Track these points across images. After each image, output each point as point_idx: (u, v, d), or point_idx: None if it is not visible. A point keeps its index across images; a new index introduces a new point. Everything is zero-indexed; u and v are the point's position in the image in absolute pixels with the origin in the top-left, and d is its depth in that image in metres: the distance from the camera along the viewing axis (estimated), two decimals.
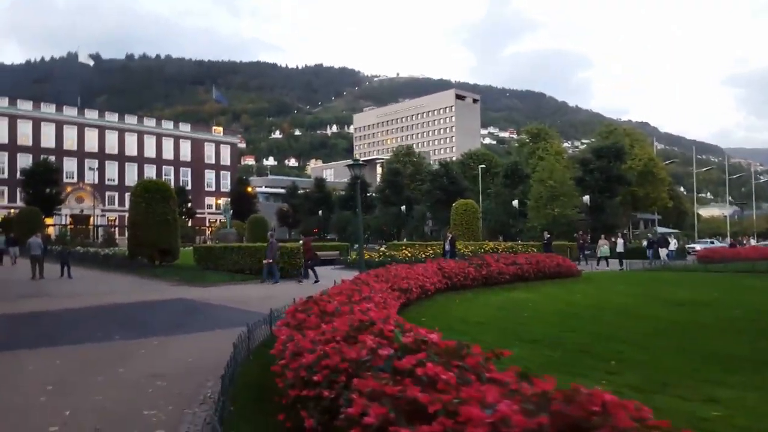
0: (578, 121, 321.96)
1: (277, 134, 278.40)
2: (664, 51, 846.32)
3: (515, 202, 48.24)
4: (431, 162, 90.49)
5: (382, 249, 26.84)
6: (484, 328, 8.39)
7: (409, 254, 26.93)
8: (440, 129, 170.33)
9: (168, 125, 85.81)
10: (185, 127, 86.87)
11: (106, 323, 10.67)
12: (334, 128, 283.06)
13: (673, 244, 40.32)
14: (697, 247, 39.68)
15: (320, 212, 73.57)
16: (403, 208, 62.62)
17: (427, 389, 3.28)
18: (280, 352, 5.48)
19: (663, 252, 33.05)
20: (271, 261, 19.25)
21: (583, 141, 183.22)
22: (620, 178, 46.14)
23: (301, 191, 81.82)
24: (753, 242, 55.07)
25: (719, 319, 9.12)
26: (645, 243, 38.82)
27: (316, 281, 18.33)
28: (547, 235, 31.14)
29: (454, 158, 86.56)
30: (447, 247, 23.11)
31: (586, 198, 43.35)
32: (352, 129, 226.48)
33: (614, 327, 8.53)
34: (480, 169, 55.90)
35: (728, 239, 53.33)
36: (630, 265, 24.74)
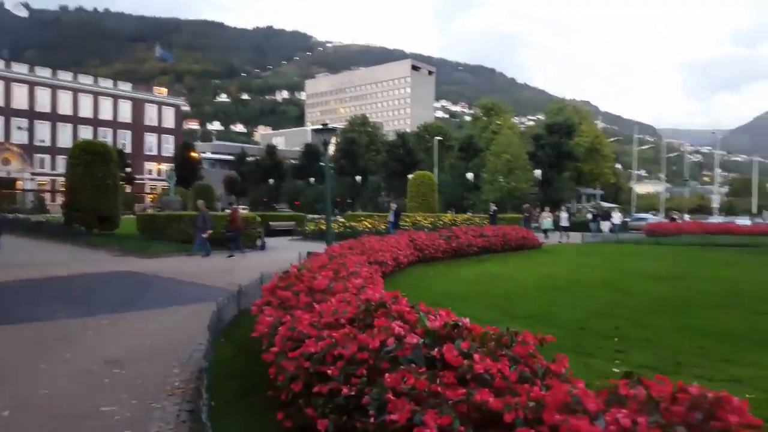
0: (525, 98, 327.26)
1: (224, 98, 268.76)
2: (609, 35, 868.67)
3: (470, 175, 48.29)
4: (385, 133, 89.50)
5: (341, 220, 26.08)
6: (471, 303, 7.89)
7: (370, 225, 26.30)
8: (395, 100, 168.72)
9: (106, 84, 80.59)
10: (125, 87, 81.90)
11: (45, 299, 9.52)
12: (285, 94, 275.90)
13: (617, 218, 41.49)
14: (651, 218, 40.99)
15: (271, 181, 71.54)
16: (358, 178, 61.69)
17: (482, 388, 2.67)
18: (267, 336, 4.74)
19: (605, 225, 33.79)
20: (205, 235, 17.41)
21: (530, 117, 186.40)
22: (570, 154, 46.95)
23: (250, 158, 79.18)
24: (687, 217, 57.77)
25: (703, 294, 8.99)
26: (589, 216, 39.73)
27: (230, 255, 16.97)
28: (493, 208, 30.82)
29: (408, 130, 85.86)
30: (391, 218, 21.73)
31: (538, 172, 43.84)
32: (303, 95, 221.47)
33: (603, 302, 8.23)
34: (436, 142, 55.52)
35: (661, 214, 55.60)
36: (573, 238, 25.15)
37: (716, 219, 44.99)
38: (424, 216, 30.27)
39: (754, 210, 60.76)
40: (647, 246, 21.52)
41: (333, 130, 13.67)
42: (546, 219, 29.26)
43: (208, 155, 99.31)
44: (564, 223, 29.12)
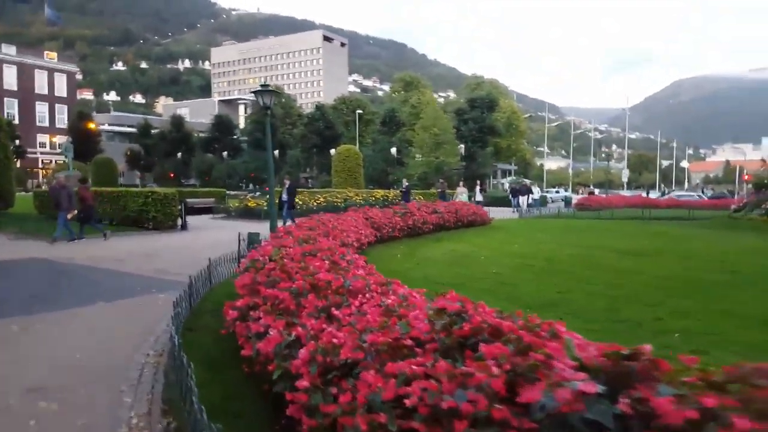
0: (437, 74, 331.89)
1: (120, 66, 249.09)
2: (518, 15, 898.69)
3: (393, 150, 47.54)
4: (300, 105, 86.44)
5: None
6: (467, 292, 6.85)
7: (300, 202, 24.70)
8: (307, 71, 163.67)
9: None
10: (9, 50, 72.53)
11: None
12: (187, 63, 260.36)
13: (537, 193, 42.73)
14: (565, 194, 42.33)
15: (179, 155, 66.86)
16: (275, 153, 58.91)
17: None
18: (270, 356, 3.44)
19: (523, 200, 34.35)
20: (70, 216, 14.49)
21: (440, 94, 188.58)
22: (492, 128, 47.39)
23: (154, 131, 73.44)
24: (597, 192, 61.10)
25: (703, 272, 8.54)
26: (508, 191, 40.49)
27: (71, 239, 14.12)
28: (405, 184, 29.31)
29: (321, 103, 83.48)
30: (284, 196, 18.00)
31: (461, 147, 43.89)
32: (208, 65, 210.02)
33: (606, 284, 7.53)
34: (357, 115, 54.07)
35: (569, 189, 58.25)
36: (494, 213, 25.00)
37: (626, 192, 47.59)
38: (356, 192, 29.11)
39: (658, 184, 65.52)
40: (588, 220, 21.59)
41: (275, 92, 12.08)
42: (461, 195, 27.75)
43: (106, 127, 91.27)
44: (478, 198, 28.46)
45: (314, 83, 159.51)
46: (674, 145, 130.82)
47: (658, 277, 7.95)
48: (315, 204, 25.04)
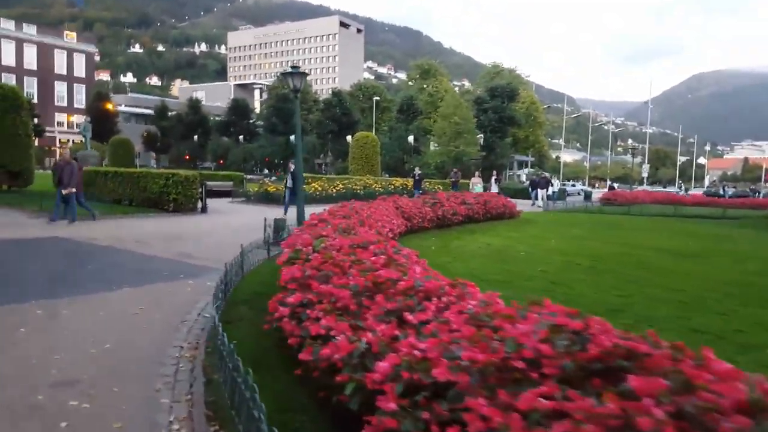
0: (452, 63, 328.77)
1: (137, 48, 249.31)
2: (535, 6, 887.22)
3: (411, 138, 46.86)
4: (316, 91, 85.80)
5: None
6: (515, 291, 6.42)
7: (320, 188, 24.33)
8: (322, 57, 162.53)
9: (8, 25, 71.05)
10: (30, 30, 72.57)
11: None
12: (203, 47, 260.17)
13: (556, 186, 41.96)
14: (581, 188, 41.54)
15: (195, 138, 66.69)
16: (292, 138, 58.48)
17: None
18: (337, 364, 3.02)
19: (542, 193, 33.54)
20: (73, 190, 13.42)
21: (455, 83, 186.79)
22: (512, 119, 46.48)
23: (171, 113, 73.31)
24: (616, 186, 60.10)
25: (758, 276, 7.97)
26: (528, 183, 39.75)
27: (72, 220, 13.21)
28: (417, 172, 28.49)
29: (337, 89, 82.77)
30: (289, 183, 17.42)
31: (480, 137, 43.14)
32: (224, 49, 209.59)
33: (658, 286, 7.01)
34: (374, 102, 53.37)
35: (585, 182, 57.29)
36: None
37: (647, 188, 46.63)
38: (375, 179, 28.62)
39: (677, 180, 64.43)
40: (618, 216, 20.84)
41: (304, 74, 11.61)
42: (476, 185, 26.48)
43: (123, 108, 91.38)
44: (493, 189, 27.33)
45: (330, 69, 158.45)
46: (693, 140, 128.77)
47: (718, 282, 7.41)
48: (334, 191, 24.60)
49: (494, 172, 32.21)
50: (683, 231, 14.99)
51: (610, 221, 17.73)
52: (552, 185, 37.75)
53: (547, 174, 46.48)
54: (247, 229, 13.89)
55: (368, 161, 37.67)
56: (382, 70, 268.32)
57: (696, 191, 59.23)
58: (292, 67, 11.48)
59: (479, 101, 47.14)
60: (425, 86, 64.49)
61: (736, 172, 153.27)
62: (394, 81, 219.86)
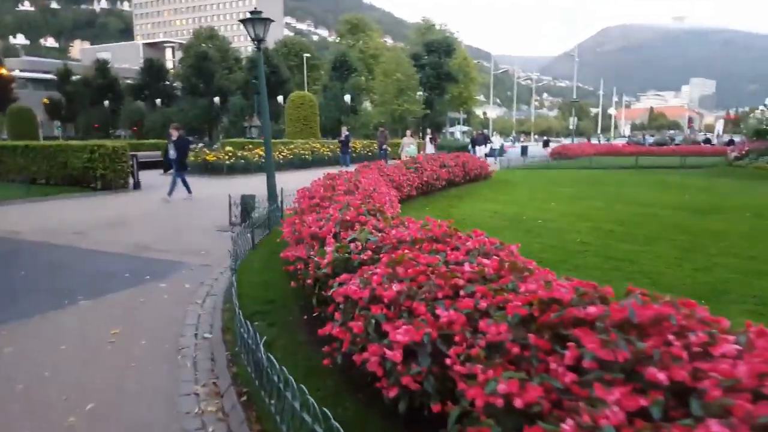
0: (373, 18, 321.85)
1: (27, 6, 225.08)
2: None
3: (348, 97, 44.70)
4: (237, 48, 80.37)
5: (229, 149, 21.48)
6: (582, 272, 5.31)
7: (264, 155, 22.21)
8: (239, 13, 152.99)
9: None
10: None
11: None
12: (104, 3, 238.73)
13: (497, 142, 41.63)
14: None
15: (106, 103, 60.85)
16: (216, 99, 54.49)
17: None
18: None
19: (481, 150, 32.94)
20: None
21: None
22: (449, 75, 45.31)
23: (75, 77, 66.27)
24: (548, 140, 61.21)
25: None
26: (468, 140, 39.15)
27: None
28: (345, 133, 25.28)
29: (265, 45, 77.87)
30: (171, 152, 13.81)
31: (420, 94, 41.83)
32: (127, 6, 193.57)
33: (722, 254, 6.10)
34: (305, 59, 50.39)
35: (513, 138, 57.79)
36: None
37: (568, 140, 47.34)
38: (322, 143, 26.69)
39: (596, 133, 66.43)
40: (582, 171, 20.05)
41: (267, 20, 9.75)
42: (409, 146, 22.15)
43: (18, 74, 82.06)
44: (428, 150, 24.37)
45: None
46: (601, 93, 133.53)
47: (737, 234, 6.64)
48: (280, 157, 22.65)
49: (428, 131, 29.82)
50: (667, 183, 14.56)
51: (585, 177, 17.10)
52: (491, 142, 37.31)
53: (485, 131, 46.19)
54: (198, 207, 12.05)
55: (307, 123, 35.52)
56: (302, 26, 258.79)
57: (618, 141, 61.39)
58: (252, 12, 9.59)
59: (416, 57, 45.42)
60: (355, 42, 61.87)
61: (644, 121, 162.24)
62: (315, 38, 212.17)
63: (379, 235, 4.22)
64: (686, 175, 17.27)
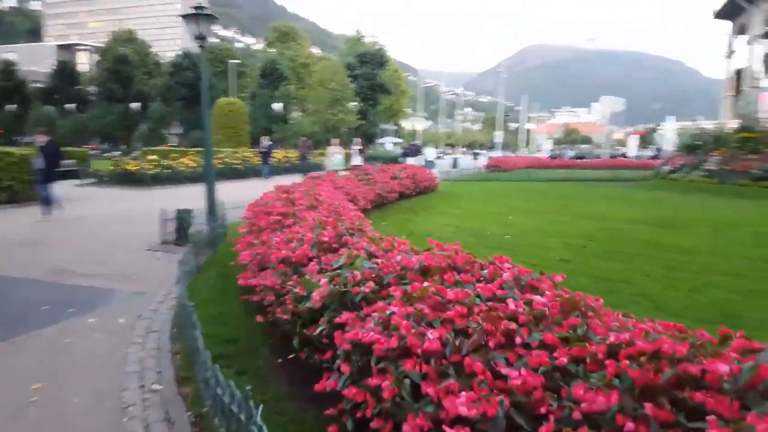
0: (301, 29, 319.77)
1: None
2: None
3: (277, 106, 43.39)
4: (157, 53, 76.50)
5: (153, 158, 19.75)
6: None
7: (193, 163, 20.76)
8: (160, 16, 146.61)
9: None
10: None
11: None
12: (11, 1, 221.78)
13: (431, 154, 41.65)
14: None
15: (15, 107, 55.85)
16: (134, 105, 51.31)
17: None
18: None
19: (411, 161, 32.76)
20: None
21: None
22: (383, 86, 45.15)
23: None
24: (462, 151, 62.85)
25: (725, 243, 7.23)
26: (401, 151, 39.04)
27: None
28: (266, 143, 23.52)
29: (187, 50, 74.59)
30: (38, 163, 11.30)
31: (354, 105, 41.34)
32: (36, 5, 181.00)
33: (707, 272, 5.88)
34: (233, 65, 48.55)
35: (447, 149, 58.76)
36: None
37: (505, 153, 48.63)
38: (255, 152, 25.44)
39: (524, 146, 68.81)
40: (526, 183, 20.18)
41: (211, 17, 8.79)
42: (335, 156, 18.74)
43: None
44: (355, 161, 21.15)
45: (168, 30, 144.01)
46: (523, 108, 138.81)
47: (749, 259, 6.53)
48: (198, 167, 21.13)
49: (354, 141, 26.60)
50: (612, 196, 14.69)
51: (528, 189, 17.08)
52: (422, 153, 37.30)
53: (418, 142, 46.21)
54: (122, 222, 10.76)
55: (236, 131, 34.04)
56: (227, 33, 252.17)
57: (539, 154, 63.86)
58: (196, 7, 8.61)
59: (350, 67, 44.89)
60: (285, 51, 60.54)
61: (559, 136, 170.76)
62: (240, 45, 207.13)
63: (379, 261, 3.51)
64: (624, 187, 17.73)
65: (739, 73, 20.83)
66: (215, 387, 2.95)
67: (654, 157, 29.95)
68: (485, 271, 3.13)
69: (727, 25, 21.67)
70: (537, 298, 2.64)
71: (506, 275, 2.94)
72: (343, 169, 18.60)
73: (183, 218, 8.68)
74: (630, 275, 5.72)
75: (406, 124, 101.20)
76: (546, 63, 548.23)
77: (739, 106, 20.28)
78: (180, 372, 3.97)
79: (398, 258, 3.43)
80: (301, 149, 24.70)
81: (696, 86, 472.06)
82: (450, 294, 2.78)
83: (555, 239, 7.82)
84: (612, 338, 2.16)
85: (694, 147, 18.94)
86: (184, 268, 5.52)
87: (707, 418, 1.73)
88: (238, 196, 12.10)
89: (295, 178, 11.21)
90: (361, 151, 22.12)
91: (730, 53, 21.45)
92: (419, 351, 2.44)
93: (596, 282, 5.45)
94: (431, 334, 2.46)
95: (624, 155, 45.82)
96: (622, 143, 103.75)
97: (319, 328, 3.32)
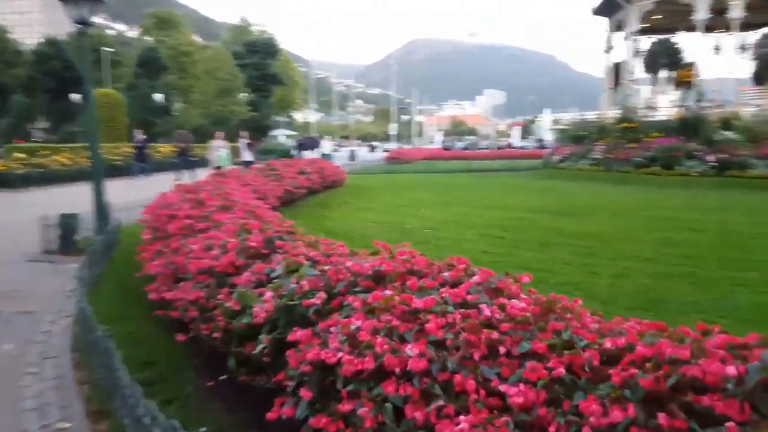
0: (181, 16, 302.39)
1: None
2: None
3: (159, 97, 40.57)
4: (16, 40, 68.35)
5: (20, 155, 17.45)
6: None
7: (68, 162, 18.74)
8: (18, 2, 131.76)
9: None
10: None
11: None
12: None
13: (328, 146, 41.19)
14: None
15: None
16: None
17: None
18: None
19: (309, 154, 32.52)
20: None
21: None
22: (275, 77, 43.79)
23: None
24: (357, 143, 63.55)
25: (670, 231, 7.65)
26: (296, 144, 38.43)
27: None
28: (140, 137, 21.91)
29: (52, 37, 67.30)
30: None
31: (245, 96, 39.76)
32: None
33: (619, 257, 6.15)
34: (106, 54, 44.60)
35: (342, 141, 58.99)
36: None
37: (400, 145, 49.48)
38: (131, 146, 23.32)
39: (416, 138, 70.56)
40: (429, 175, 20.24)
41: (99, 1, 7.78)
42: (220, 150, 16.85)
43: None
44: (245, 157, 19.31)
45: (25, 15, 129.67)
46: (410, 100, 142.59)
47: (651, 243, 6.97)
48: (82, 164, 19.19)
49: (241, 134, 22.13)
50: (510, 186, 15.24)
51: (433, 181, 17.27)
52: (319, 146, 36.79)
53: (315, 135, 45.55)
54: None
55: (113, 124, 31.40)
56: (96, 19, 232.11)
57: (432, 146, 65.83)
58: None
59: (238, 56, 42.97)
60: (164, 39, 56.65)
61: (448, 128, 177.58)
62: (111, 32, 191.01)
63: (326, 268, 3.21)
64: (519, 177, 18.62)
65: (617, 66, 22.69)
66: (151, 427, 2.49)
67: (540, 147, 31.83)
68: (447, 274, 2.95)
69: (604, 21, 23.48)
70: (513, 302, 2.50)
71: (475, 278, 2.78)
72: (240, 165, 17.66)
73: (68, 224, 7.71)
74: (551, 264, 5.87)
75: (299, 116, 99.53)
76: (431, 56, 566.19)
77: (618, 98, 22.07)
78: (91, 405, 3.42)
79: (349, 264, 3.15)
80: (179, 144, 22.60)
81: (567, 79, 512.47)
82: (419, 302, 2.57)
83: (471, 231, 7.91)
84: (608, 344, 2.06)
85: (580, 137, 20.32)
86: (78, 280, 4.84)
87: (726, 425, 1.65)
88: (127, 196, 11.06)
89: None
90: (250, 145, 20.60)
91: (609, 48, 23.32)
92: (398, 370, 2.21)
93: (522, 273, 5.50)
94: (410, 350, 2.24)
95: (510, 145, 48.40)
96: (503, 134, 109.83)
97: (260, 347, 3.00)
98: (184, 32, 59.71)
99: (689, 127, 17.28)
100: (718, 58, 21.77)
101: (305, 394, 2.43)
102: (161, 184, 10.48)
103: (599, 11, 23.42)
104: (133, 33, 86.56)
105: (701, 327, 2.26)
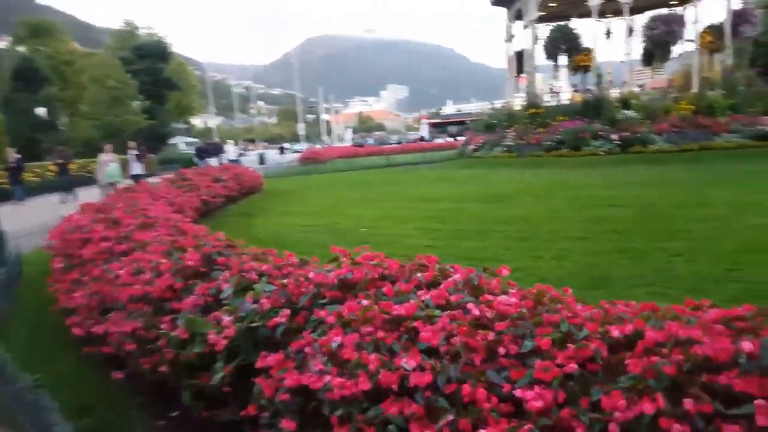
0: (58, 23, 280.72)
1: None
2: None
3: (41, 111, 37.23)
4: None
5: None
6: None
7: None
8: None
9: None
10: None
11: None
12: None
13: (233, 152, 39.58)
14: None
15: None
16: None
17: None
18: None
19: (213, 161, 31.19)
20: None
21: None
22: (169, 81, 41.49)
23: None
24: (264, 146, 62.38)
25: (600, 209, 7.93)
26: (195, 151, 36.60)
27: None
28: (14, 155, 20.06)
29: None
30: None
31: (138, 103, 37.44)
32: None
33: (565, 238, 6.29)
34: None
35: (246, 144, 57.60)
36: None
37: (309, 145, 48.85)
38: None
39: (325, 137, 70.17)
40: (350, 173, 20.06)
41: None
42: (110, 165, 15.00)
43: None
44: (135, 170, 17.51)
45: None
46: (315, 99, 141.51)
47: (579, 221, 7.19)
48: None
49: (129, 144, 19.31)
50: (432, 178, 15.29)
51: (354, 179, 17.02)
52: (224, 152, 35.29)
53: (218, 140, 43.59)
54: None
55: None
56: None
57: (343, 144, 65.72)
58: None
59: (127, 62, 40.28)
60: (41, 48, 51.96)
61: (356, 125, 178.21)
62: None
63: (285, 282, 2.93)
64: (437, 168, 18.87)
65: (519, 55, 23.57)
66: None
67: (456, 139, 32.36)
68: (420, 276, 2.79)
69: (503, 11, 24.28)
70: (501, 298, 2.38)
71: (457, 276, 2.64)
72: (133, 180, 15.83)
73: None
74: (494, 252, 5.90)
75: (198, 122, 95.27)
76: (330, 54, 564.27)
77: (522, 86, 22.96)
78: None
79: (311, 275, 2.90)
80: (57, 162, 20.96)
81: (466, 71, 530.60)
82: (400, 309, 2.39)
83: (407, 226, 7.83)
84: (615, 332, 1.98)
85: (491, 125, 20.93)
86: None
87: (755, 402, 1.60)
88: (14, 223, 9.93)
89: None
90: (139, 157, 18.69)
91: (510, 37, 24.17)
92: (395, 387, 2.03)
93: (471, 264, 5.47)
94: (406, 363, 2.06)
95: (422, 138, 49.18)
96: (411, 128, 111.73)
97: (218, 376, 2.71)
98: (63, 40, 55.22)
99: (592, 108, 18.33)
100: (610, 42, 23.37)
101: (288, 424, 2.20)
102: (47, 207, 9.38)
103: (498, 2, 24.20)
104: (2, 43, 78.68)
105: (690, 303, 2.26)
